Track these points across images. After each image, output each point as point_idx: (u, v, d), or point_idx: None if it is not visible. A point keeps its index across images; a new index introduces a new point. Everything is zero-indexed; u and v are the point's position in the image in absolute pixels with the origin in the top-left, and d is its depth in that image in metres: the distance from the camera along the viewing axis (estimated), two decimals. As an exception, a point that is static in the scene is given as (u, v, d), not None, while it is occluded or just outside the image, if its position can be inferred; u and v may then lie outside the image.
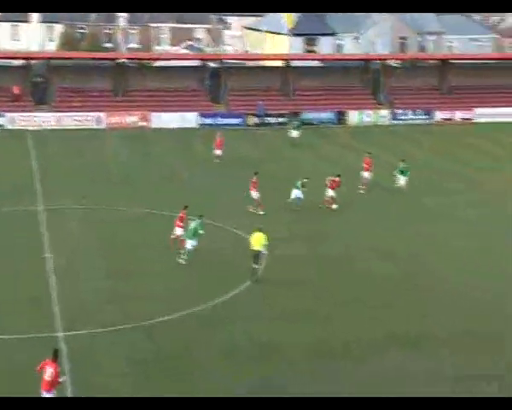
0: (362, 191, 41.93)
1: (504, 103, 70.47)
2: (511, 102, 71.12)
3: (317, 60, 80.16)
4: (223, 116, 66.81)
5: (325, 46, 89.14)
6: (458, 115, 69.41)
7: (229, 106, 68.50)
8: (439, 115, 69.24)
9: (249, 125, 65.85)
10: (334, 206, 38.50)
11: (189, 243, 30.13)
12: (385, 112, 69.12)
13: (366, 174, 42.60)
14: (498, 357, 23.12)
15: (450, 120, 68.94)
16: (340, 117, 67.97)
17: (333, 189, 38.54)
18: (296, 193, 38.07)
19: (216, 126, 63.49)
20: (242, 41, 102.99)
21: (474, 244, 33.86)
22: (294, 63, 73.23)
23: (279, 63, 74.03)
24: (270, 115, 66.74)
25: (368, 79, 72.73)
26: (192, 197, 36.99)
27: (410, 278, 29.55)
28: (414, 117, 69.04)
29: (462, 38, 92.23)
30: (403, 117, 68.89)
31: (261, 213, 37.05)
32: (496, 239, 34.42)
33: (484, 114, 69.07)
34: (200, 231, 30.12)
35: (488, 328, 25.07)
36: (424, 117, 69.15)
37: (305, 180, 38.56)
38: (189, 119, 65.27)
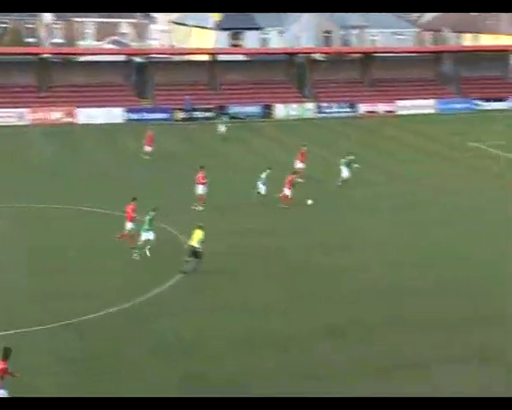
0: (299, 180, 42.57)
1: (425, 95, 72.43)
2: (431, 94, 73.18)
3: (243, 54, 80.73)
4: (149, 111, 66.77)
5: (251, 40, 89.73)
6: (381, 108, 70.98)
7: (155, 101, 68.45)
8: (363, 108, 70.68)
9: (176, 120, 65.96)
10: (310, 201, 38.43)
11: (144, 236, 30.43)
12: (310, 105, 70.16)
13: (300, 165, 43.59)
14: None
15: (373, 112, 70.45)
16: (267, 111, 68.71)
17: (289, 187, 38.60)
18: (260, 186, 38.78)
19: (143, 121, 63.46)
20: (168, 35, 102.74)
21: (398, 234, 34.78)
22: (221, 57, 73.64)
23: (205, 57, 74.29)
24: (196, 110, 66.98)
25: (293, 72, 73.68)
26: (123, 194, 36.81)
27: (344, 269, 30.07)
28: (338, 110, 70.30)
29: (384, 31, 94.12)
30: (328, 110, 70.06)
31: (200, 208, 37.02)
32: (419, 229, 35.48)
33: (406, 107, 70.86)
34: (153, 222, 30.45)
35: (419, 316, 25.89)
36: (348, 110, 70.49)
37: (268, 171, 39.28)
38: (115, 114, 64.99)
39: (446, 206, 39.18)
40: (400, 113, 70.45)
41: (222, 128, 57.35)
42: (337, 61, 79.19)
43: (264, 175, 39.11)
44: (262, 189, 38.85)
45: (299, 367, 22.05)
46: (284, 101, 69.79)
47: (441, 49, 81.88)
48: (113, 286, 28.10)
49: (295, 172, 39.76)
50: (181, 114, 66.61)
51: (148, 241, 30.54)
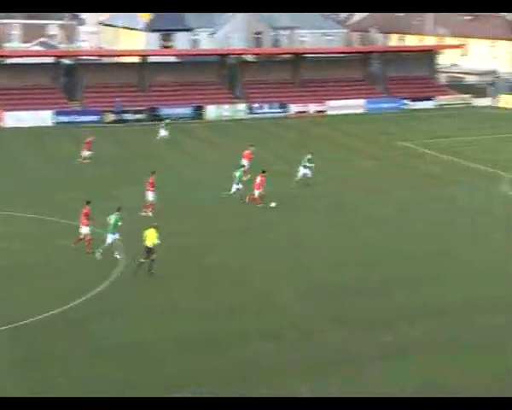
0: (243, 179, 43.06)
1: (354, 95, 73.59)
2: (360, 94, 74.42)
3: (174, 55, 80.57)
4: (79, 113, 66.06)
5: (181, 42, 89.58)
6: (312, 108, 71.80)
7: (85, 103, 67.72)
8: (294, 108, 71.37)
9: (106, 123, 65.38)
10: (273, 204, 38.41)
11: (110, 238, 30.48)
12: (242, 106, 70.50)
13: (246, 164, 43.80)
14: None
15: (304, 112, 71.21)
16: (198, 112, 68.74)
17: (259, 188, 38.58)
18: (236, 185, 38.93)
19: (72, 124, 62.78)
20: (97, 37, 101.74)
21: (334, 234, 35.27)
22: (151, 59, 73.33)
23: (135, 59, 73.85)
24: (127, 112, 66.55)
25: (224, 74, 73.91)
26: (60, 198, 36.47)
27: (287, 270, 30.37)
28: (270, 110, 70.83)
29: (313, 32, 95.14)
30: (259, 111, 70.51)
31: (150, 214, 36.39)
32: (349, 229, 36.09)
33: (336, 106, 71.83)
34: (119, 223, 30.54)
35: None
36: (279, 110, 71.09)
37: (242, 168, 39.41)
38: (44, 117, 64.06)
39: (375, 205, 39.95)
40: (330, 113, 71.39)
41: (162, 132, 56.53)
42: (268, 61, 79.76)
43: (237, 174, 39.20)
44: (234, 188, 39.03)
45: (236, 368, 22.24)
46: (215, 102, 69.94)
47: (369, 50, 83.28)
48: (45, 289, 27.78)
49: (264, 171, 39.35)
50: (111, 117, 66.07)
51: (113, 243, 30.53)
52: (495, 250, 32.59)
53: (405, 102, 74.43)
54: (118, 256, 30.74)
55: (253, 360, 22.74)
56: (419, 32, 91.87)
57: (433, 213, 38.38)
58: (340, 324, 25.25)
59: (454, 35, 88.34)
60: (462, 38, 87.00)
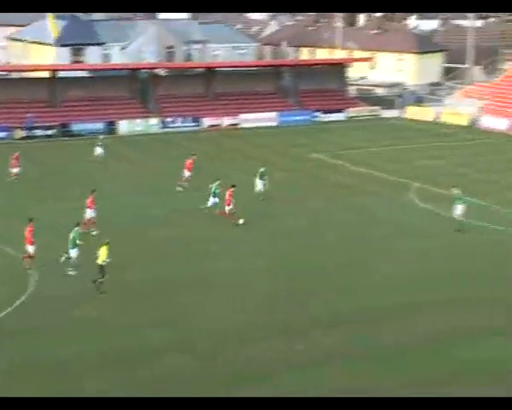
0: (180, 189, 44.71)
1: (266, 108, 74.50)
2: (273, 107, 75.38)
3: (85, 70, 79.68)
4: (-12, 130, 64.58)
5: (93, 56, 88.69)
6: (225, 121, 72.29)
7: (-6, 119, 66.28)
8: (207, 122, 71.72)
9: (16, 139, 64.12)
10: (241, 220, 38.16)
11: (72, 253, 30.76)
12: (155, 120, 70.38)
13: (187, 173, 45.55)
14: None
15: (217, 126, 71.63)
16: (111, 127, 68.24)
17: (229, 203, 38.45)
18: (212, 200, 39.00)
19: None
20: (6, 52, 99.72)
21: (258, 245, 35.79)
22: (61, 74, 72.41)
23: (46, 74, 72.78)
24: (37, 128, 65.50)
25: (136, 88, 73.66)
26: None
27: (208, 279, 30.76)
28: (183, 124, 70.95)
29: (225, 46, 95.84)
30: (172, 125, 70.54)
31: (94, 233, 35.73)
32: (262, 241, 36.68)
33: (249, 120, 72.53)
34: (77, 239, 30.87)
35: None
36: (193, 124, 71.30)
37: (217, 182, 39.61)
38: (-49, 134, 62.33)
39: (288, 216, 40.64)
40: (244, 126, 72.04)
41: (99, 150, 54.83)
42: (180, 75, 79.86)
43: (213, 187, 39.33)
44: (211, 201, 39.15)
45: (147, 382, 22.37)
46: (128, 116, 69.59)
47: (280, 63, 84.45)
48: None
49: (233, 185, 39.20)
50: (21, 133, 64.87)
51: (74, 256, 30.82)
52: (399, 259, 33.70)
53: (317, 114, 75.77)
54: (71, 273, 30.72)
55: (170, 373, 22.94)
56: (329, 46, 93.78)
57: (343, 223, 39.35)
58: (253, 335, 25.65)
59: (363, 48, 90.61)
60: (371, 52, 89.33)
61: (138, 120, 69.75)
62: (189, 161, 46.29)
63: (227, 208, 38.50)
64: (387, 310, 27.88)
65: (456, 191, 38.03)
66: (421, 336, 25.81)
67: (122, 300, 28.74)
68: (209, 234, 37.13)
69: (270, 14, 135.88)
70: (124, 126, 68.75)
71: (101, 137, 58.17)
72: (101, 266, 29.08)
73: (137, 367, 23.26)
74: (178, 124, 70.80)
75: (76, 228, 31.17)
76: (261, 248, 35.21)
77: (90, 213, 36.64)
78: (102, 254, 29.14)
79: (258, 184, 43.46)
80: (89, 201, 36.85)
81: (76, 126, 66.28)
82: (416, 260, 33.49)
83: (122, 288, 29.73)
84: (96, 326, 26.32)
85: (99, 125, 67.79)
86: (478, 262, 33.44)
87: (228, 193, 38.54)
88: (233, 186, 38.80)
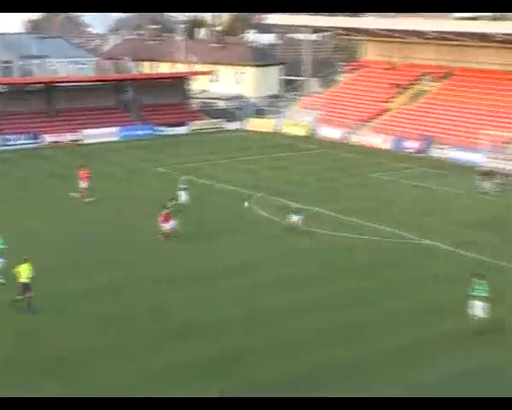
0: (88, 199, 46.32)
1: (108, 123, 74.25)
2: (114, 121, 75.23)
3: None
4: None
5: None
6: (67, 137, 71.38)
7: None
8: (48, 138, 70.55)
9: None
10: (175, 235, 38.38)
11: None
12: (-6, 138, 68.39)
13: (84, 184, 47.47)
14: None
15: (59, 142, 70.59)
16: None
17: (166, 221, 38.29)
18: (171, 223, 38.59)
19: None
20: None
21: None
22: None
23: None
24: None
25: (-29, 105, 71.29)
26: None
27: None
28: (23, 142, 69.44)
29: (64, 61, 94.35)
30: (12, 142, 68.86)
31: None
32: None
33: (91, 135, 72.01)
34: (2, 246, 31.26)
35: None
36: (33, 141, 69.92)
37: (173, 202, 40.73)
38: None
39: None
40: (87, 141, 71.38)
41: None
42: (19, 91, 77.95)
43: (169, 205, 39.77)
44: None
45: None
46: (-36, 135, 67.25)
47: (122, 78, 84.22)
48: None
49: (165, 207, 39.25)
50: None
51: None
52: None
53: (160, 128, 76.29)
54: (2, 281, 30.67)
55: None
56: (171, 59, 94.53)
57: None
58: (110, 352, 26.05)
59: (204, 62, 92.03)
60: (212, 65, 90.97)
61: (-26, 139, 67.55)
62: (82, 173, 47.93)
63: (164, 228, 38.32)
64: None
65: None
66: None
67: None
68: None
69: (112, 27, 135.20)
70: (-41, 146, 66.34)
71: None
72: (27, 284, 28.43)
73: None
74: (19, 141, 69.23)
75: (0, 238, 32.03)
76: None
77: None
78: (25, 272, 28.57)
79: (183, 194, 45.30)
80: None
81: None
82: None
83: None
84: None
85: None
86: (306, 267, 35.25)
87: (162, 214, 38.36)
88: (165, 208, 39.05)
